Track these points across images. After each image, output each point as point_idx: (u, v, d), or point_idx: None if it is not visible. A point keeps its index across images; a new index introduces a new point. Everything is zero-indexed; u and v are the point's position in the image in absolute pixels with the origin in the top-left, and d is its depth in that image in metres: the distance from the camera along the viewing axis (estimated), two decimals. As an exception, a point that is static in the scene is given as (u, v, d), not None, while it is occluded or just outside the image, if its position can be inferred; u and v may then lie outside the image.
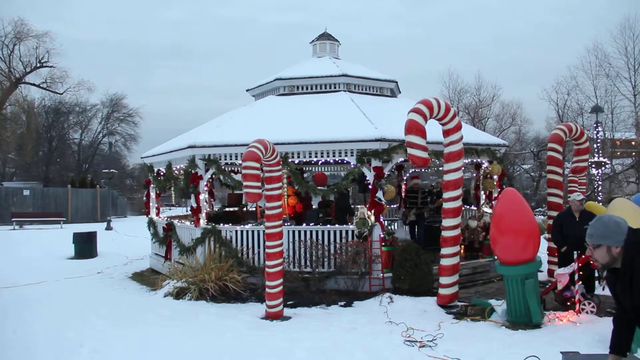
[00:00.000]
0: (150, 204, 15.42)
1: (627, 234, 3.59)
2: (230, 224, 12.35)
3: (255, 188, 8.49)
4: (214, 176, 12.75)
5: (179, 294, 10.46)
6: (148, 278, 13.27)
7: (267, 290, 9.07)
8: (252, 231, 11.75)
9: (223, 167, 12.34)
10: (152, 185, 15.17)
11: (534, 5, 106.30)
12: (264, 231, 9.63)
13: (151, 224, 14.89)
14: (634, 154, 38.44)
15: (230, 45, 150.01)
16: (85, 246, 17.29)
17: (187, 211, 18.51)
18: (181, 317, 9.03)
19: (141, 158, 16.24)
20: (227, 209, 17.11)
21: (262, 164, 8.87)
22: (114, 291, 11.79)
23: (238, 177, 12.61)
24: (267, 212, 9.15)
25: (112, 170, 33.29)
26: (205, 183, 12.23)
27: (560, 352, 4.28)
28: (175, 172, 13.46)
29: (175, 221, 13.73)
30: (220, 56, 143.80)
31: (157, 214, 15.43)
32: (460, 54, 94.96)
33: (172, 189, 14.46)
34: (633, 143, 39.03)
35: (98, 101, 53.60)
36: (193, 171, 11.96)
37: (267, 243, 9.16)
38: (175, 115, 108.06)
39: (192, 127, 15.96)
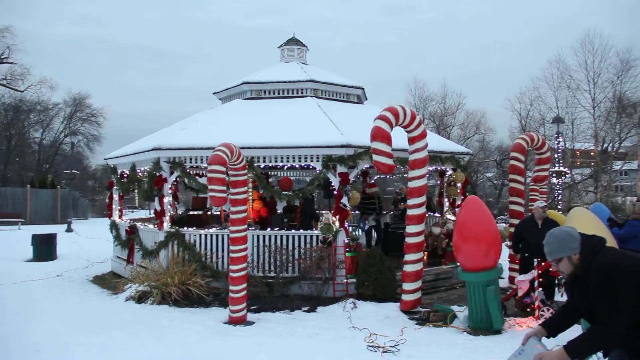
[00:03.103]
0: (113, 206, 15.20)
1: (582, 240, 3.73)
2: (194, 228, 12.25)
3: (220, 192, 8.44)
4: (178, 179, 12.66)
5: (141, 298, 10.33)
6: (109, 282, 13.05)
7: (231, 294, 9.03)
8: (217, 235, 11.69)
9: (188, 170, 12.25)
10: (115, 187, 14.96)
11: (501, 18, 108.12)
12: (228, 235, 9.58)
13: (113, 226, 14.67)
14: (592, 164, 39.39)
15: (204, 47, 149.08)
16: (44, 248, 16.91)
17: (150, 214, 18.30)
18: (143, 321, 8.91)
19: (104, 159, 16.01)
20: (191, 213, 16.97)
21: (227, 168, 8.83)
22: (73, 295, 11.57)
23: (203, 180, 12.53)
24: (231, 216, 9.12)
25: (73, 171, 32.75)
26: (169, 186, 12.13)
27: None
28: (140, 174, 13.30)
29: (139, 224, 13.58)
30: (194, 59, 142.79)
31: (120, 217, 15.23)
32: (428, 62, 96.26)
33: (136, 191, 14.28)
34: (592, 153, 39.99)
35: (60, 100, 52.61)
36: (157, 174, 11.85)
37: (232, 247, 9.12)
38: (146, 116, 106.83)
39: (161, 129, 15.79)
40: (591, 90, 37.23)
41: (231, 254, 9.15)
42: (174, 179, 12.26)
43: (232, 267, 9.09)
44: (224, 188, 8.57)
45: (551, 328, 3.94)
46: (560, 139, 24.26)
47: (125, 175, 14.20)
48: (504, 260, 10.33)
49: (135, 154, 13.13)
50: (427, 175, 10.42)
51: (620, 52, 36.84)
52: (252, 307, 9.77)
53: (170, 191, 12.30)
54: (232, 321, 8.97)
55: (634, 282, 3.57)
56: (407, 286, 9.81)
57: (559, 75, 38.19)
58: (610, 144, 38.02)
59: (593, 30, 61.87)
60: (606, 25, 77.53)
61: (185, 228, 12.09)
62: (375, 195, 14.50)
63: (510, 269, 11.57)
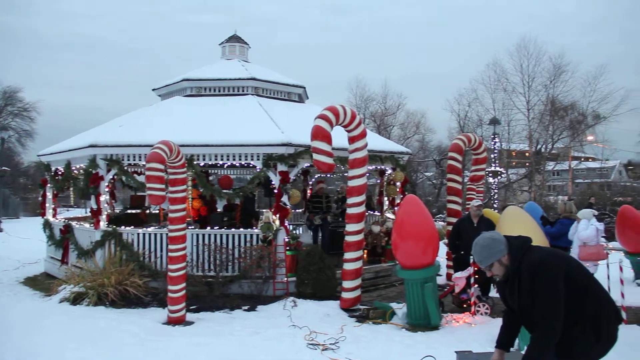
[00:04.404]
0: (47, 205, 14.73)
1: (508, 241, 3.89)
2: (132, 227, 12.02)
3: (158, 190, 8.32)
4: (115, 177, 12.37)
5: (76, 300, 10.04)
6: (42, 283, 12.62)
7: (170, 294, 8.90)
8: (155, 234, 11.50)
9: (126, 167, 12.00)
10: (48, 184, 14.49)
11: (441, 21, 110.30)
12: (167, 234, 9.44)
13: (47, 225, 14.21)
14: (527, 164, 40.71)
15: (144, 42, 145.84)
16: (-28, 249, 16.22)
17: (86, 213, 17.84)
18: (78, 323, 8.67)
19: (38, 156, 15.48)
20: (129, 211, 16.60)
21: (166, 166, 8.70)
22: (3, 297, 11.12)
23: (141, 178, 12.29)
24: (170, 214, 9.00)
25: (4, 167, 31.49)
26: (106, 184, 11.85)
27: (455, 352, 4.49)
28: (75, 171, 12.94)
29: (74, 223, 13.20)
30: (134, 53, 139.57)
31: (54, 215, 14.76)
32: (369, 63, 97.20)
33: (71, 189, 13.88)
34: (526, 154, 41.32)
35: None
36: (94, 171, 11.55)
37: (170, 246, 9.00)
38: (83, 112, 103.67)
39: (98, 126, 15.37)
40: (526, 93, 38.60)
41: (170, 253, 9.03)
42: (111, 177, 11.98)
43: (171, 267, 8.97)
44: (163, 186, 8.45)
45: (505, 344, 4.11)
46: (497, 140, 24.99)
47: (60, 173, 13.79)
48: (441, 257, 10.55)
49: (70, 150, 12.76)
50: (367, 175, 10.54)
51: (553, 57, 38.32)
52: (192, 307, 9.65)
53: (107, 189, 12.03)
54: (171, 321, 8.85)
55: (562, 276, 3.74)
56: (346, 284, 9.90)
57: (496, 78, 39.38)
58: (544, 145, 39.35)
59: (528, 35, 64.00)
60: (541, 32, 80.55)
61: (123, 227, 11.84)
62: (324, 194, 14.55)
63: (448, 267, 11.82)
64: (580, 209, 10.50)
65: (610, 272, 9.33)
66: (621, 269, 9.16)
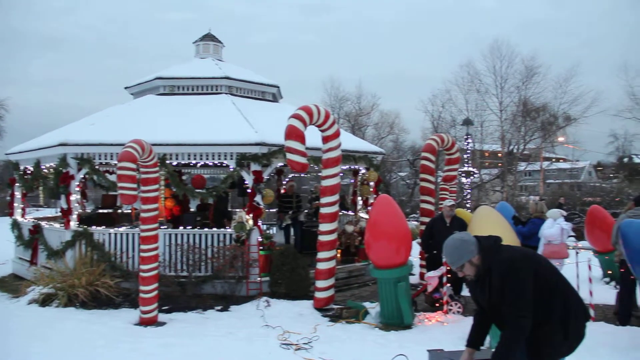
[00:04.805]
0: (15, 204, 14.47)
1: (478, 241, 3.92)
2: (104, 227, 11.87)
3: (130, 189, 8.22)
4: (87, 176, 12.21)
5: (45, 301, 9.88)
6: (10, 284, 12.38)
7: (142, 295, 8.81)
8: (127, 234, 11.39)
9: (97, 167, 11.83)
10: (17, 184, 14.24)
11: (416, 22, 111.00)
12: (139, 234, 9.34)
13: (15, 225, 13.96)
14: (499, 164, 41.15)
15: (117, 40, 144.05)
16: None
17: (57, 213, 17.56)
18: (47, 325, 8.53)
19: (6, 154, 15.20)
20: (101, 211, 16.40)
21: (138, 165, 8.61)
22: (-32, 299, 10.91)
23: (113, 177, 12.14)
24: (142, 214, 8.90)
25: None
26: (77, 183, 11.67)
27: (427, 350, 4.50)
28: (45, 170, 12.74)
29: (43, 223, 12.99)
30: (106, 51, 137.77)
31: (23, 215, 14.50)
32: (344, 63, 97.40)
33: (41, 188, 13.67)
34: (499, 155, 41.77)
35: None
36: (64, 170, 11.39)
37: (142, 246, 8.91)
38: (53, 110, 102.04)
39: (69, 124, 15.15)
40: (499, 95, 39.02)
41: (142, 254, 8.93)
42: (82, 176, 11.82)
43: (142, 267, 8.88)
44: (135, 186, 8.35)
45: (475, 343, 4.15)
46: (470, 140, 25.18)
47: (29, 172, 13.56)
48: (414, 257, 10.60)
49: (39, 149, 12.55)
50: (341, 174, 10.55)
51: (525, 60, 38.79)
52: (164, 308, 9.57)
53: (77, 189, 11.85)
54: (143, 322, 8.76)
55: (532, 275, 3.79)
56: (320, 284, 9.90)
57: (469, 79, 39.76)
58: (516, 146, 39.81)
59: (501, 37, 64.72)
60: (513, 35, 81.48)
61: (94, 227, 11.69)
62: (294, 193, 14.54)
63: (421, 266, 11.89)
64: (551, 209, 10.65)
65: (580, 270, 9.48)
66: (590, 267, 9.32)
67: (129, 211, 16.02)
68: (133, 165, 8.32)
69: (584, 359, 5.86)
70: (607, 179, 47.46)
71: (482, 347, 4.19)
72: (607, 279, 11.64)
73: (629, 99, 33.09)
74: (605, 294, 9.96)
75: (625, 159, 49.27)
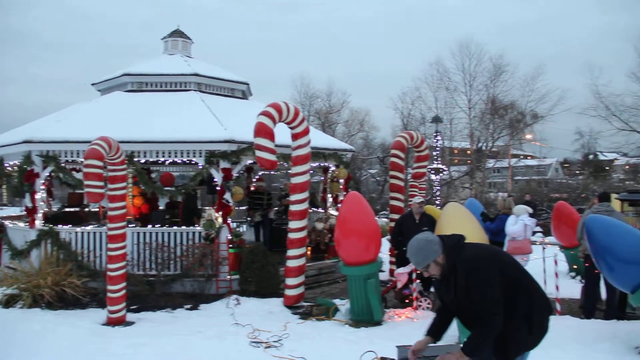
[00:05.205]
0: (-22, 204, 14.16)
1: (442, 241, 3.95)
2: (70, 225, 11.69)
3: (97, 187, 8.09)
4: (52, 174, 12.00)
5: (9, 302, 9.65)
6: (-27, 285, 12.12)
7: (109, 294, 8.70)
8: (94, 233, 11.24)
9: (63, 164, 11.64)
10: (-21, 182, 13.92)
11: (385, 19, 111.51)
12: (106, 233, 9.21)
13: (-22, 225, 13.65)
14: (468, 161, 41.59)
15: (84, 37, 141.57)
16: None
17: (21, 211, 17.23)
18: (11, 327, 8.33)
19: (-32, 153, 14.84)
20: (67, 210, 16.15)
21: (105, 163, 8.49)
22: None
23: (80, 175, 11.97)
24: (109, 212, 8.79)
25: None
26: (42, 181, 11.47)
27: (396, 346, 4.52)
28: (9, 168, 12.48)
29: (7, 222, 12.74)
30: (73, 48, 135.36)
31: (-14, 214, 14.20)
32: (314, 60, 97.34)
33: (5, 187, 13.38)
34: (468, 152, 42.21)
35: None
36: (28, 168, 11.17)
37: (110, 245, 8.78)
38: (17, 107, 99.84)
39: (34, 121, 14.85)
40: (467, 92, 39.42)
41: (109, 252, 8.81)
42: (48, 174, 11.61)
43: (110, 266, 8.76)
44: (102, 183, 8.23)
45: (435, 334, 4.17)
46: (439, 138, 25.44)
47: (-8, 170, 13.26)
48: (384, 254, 10.66)
49: (3, 146, 12.30)
50: (311, 172, 10.55)
51: (493, 58, 39.23)
52: (132, 307, 9.46)
53: (43, 187, 11.65)
54: (111, 322, 8.65)
55: (497, 272, 3.83)
56: (290, 281, 9.89)
57: (438, 77, 40.09)
58: (484, 143, 40.25)
59: (470, 36, 65.33)
60: (484, 34, 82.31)
61: (60, 226, 11.50)
62: (265, 191, 14.50)
63: (391, 263, 11.94)
64: (518, 205, 10.79)
65: (546, 265, 9.63)
66: (556, 262, 9.46)
67: (97, 209, 15.81)
68: (100, 163, 8.20)
69: (551, 352, 5.97)
70: (573, 176, 48.31)
71: (452, 342, 4.23)
72: (573, 274, 11.85)
73: (593, 98, 33.72)
74: (571, 288, 10.14)
75: (591, 156, 50.21)
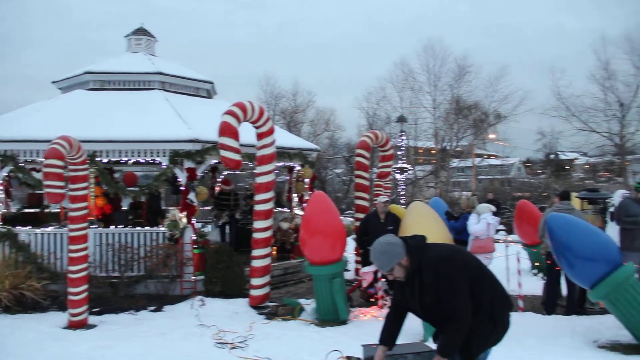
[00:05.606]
0: None
1: (405, 242, 3.95)
2: (29, 227, 11.43)
3: (57, 188, 7.95)
4: (11, 174, 11.72)
5: (-36, 307, 9.40)
6: None
7: (70, 297, 8.54)
8: (55, 234, 11.03)
9: (22, 164, 11.39)
10: None
11: (354, 20, 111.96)
12: (68, 234, 9.03)
13: None
14: (433, 161, 42.00)
15: (44, 33, 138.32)
16: None
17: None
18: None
19: None
20: (26, 210, 15.79)
21: (66, 162, 8.32)
22: None
23: (40, 175, 11.71)
24: (70, 213, 8.63)
25: None
26: (0, 182, 11.20)
27: (361, 345, 4.53)
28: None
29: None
30: (32, 45, 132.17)
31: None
32: (280, 60, 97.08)
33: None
34: (432, 151, 42.61)
35: None
36: (-15, 169, 10.90)
37: (71, 247, 8.63)
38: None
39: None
40: (432, 92, 39.72)
41: (70, 254, 8.65)
42: (6, 174, 11.35)
43: (71, 268, 8.60)
44: (62, 184, 8.08)
45: (388, 341, 4.14)
46: (404, 137, 25.56)
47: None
48: (350, 253, 10.69)
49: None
50: (276, 171, 10.51)
51: (457, 59, 39.62)
52: (95, 310, 9.28)
53: (1, 187, 11.38)
54: (72, 325, 8.49)
55: (462, 268, 3.86)
56: (255, 281, 9.84)
57: (403, 77, 40.27)
58: (449, 143, 40.65)
59: (434, 37, 65.99)
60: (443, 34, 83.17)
61: (19, 227, 11.25)
62: (231, 191, 14.42)
63: (356, 262, 11.97)
64: (481, 204, 10.91)
65: (509, 263, 9.77)
66: (519, 260, 9.62)
67: (57, 210, 15.49)
68: (61, 163, 8.05)
69: (513, 348, 6.07)
70: (535, 175, 49.11)
71: (417, 340, 4.23)
72: (535, 271, 12.01)
73: (555, 99, 34.39)
74: (533, 285, 10.31)
75: (552, 156, 51.02)
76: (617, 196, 11.22)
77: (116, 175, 17.21)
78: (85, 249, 8.74)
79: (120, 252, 10.61)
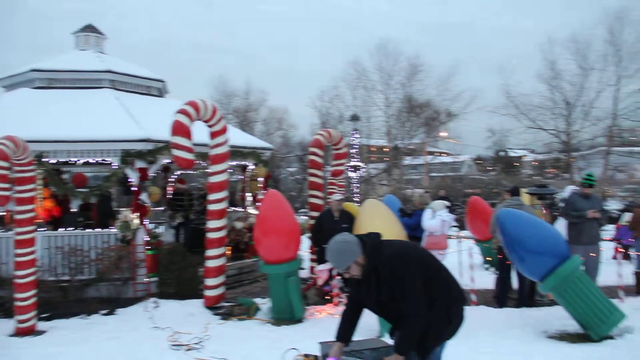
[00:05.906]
0: None
1: (361, 240, 3.96)
2: (-27, 231, 11.05)
3: (2, 190, 7.70)
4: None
5: None
6: None
7: (17, 303, 8.30)
8: (0, 238, 10.66)
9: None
10: None
11: (304, 18, 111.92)
12: (14, 238, 8.75)
13: None
14: (386, 159, 42.38)
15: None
16: None
17: None
18: None
19: None
20: (-30, 214, 15.26)
21: (11, 164, 8.07)
22: None
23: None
24: (17, 216, 8.38)
25: None
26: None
27: (318, 343, 4.52)
28: None
29: None
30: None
31: None
32: (233, 58, 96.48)
33: None
34: (385, 149, 42.98)
35: None
36: None
37: (17, 251, 8.37)
38: None
39: None
40: (385, 91, 40.04)
41: (17, 258, 8.40)
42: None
43: (18, 273, 8.36)
44: (8, 186, 7.84)
45: (344, 337, 4.14)
46: (357, 136, 25.75)
47: None
48: (304, 251, 10.68)
49: None
50: (230, 170, 10.42)
51: (409, 58, 40.03)
52: (43, 315, 9.02)
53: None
54: (20, 332, 8.26)
55: (417, 264, 3.89)
56: (210, 282, 9.74)
57: (356, 76, 40.44)
58: (401, 141, 41.03)
59: (388, 36, 66.56)
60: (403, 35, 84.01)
61: (-38, 231, 10.86)
62: (185, 191, 14.25)
63: (311, 260, 11.97)
64: (434, 201, 11.05)
65: (462, 258, 9.93)
66: (471, 255, 9.79)
67: (3, 213, 15.01)
68: (6, 164, 7.81)
69: (466, 341, 6.15)
70: (486, 172, 50.12)
71: (373, 335, 4.24)
72: (487, 265, 12.26)
73: (504, 97, 35.10)
74: (485, 279, 10.51)
75: (502, 153, 52.09)
76: (567, 192, 11.53)
77: (65, 176, 16.77)
78: (32, 252, 8.50)
79: (70, 255, 10.34)
